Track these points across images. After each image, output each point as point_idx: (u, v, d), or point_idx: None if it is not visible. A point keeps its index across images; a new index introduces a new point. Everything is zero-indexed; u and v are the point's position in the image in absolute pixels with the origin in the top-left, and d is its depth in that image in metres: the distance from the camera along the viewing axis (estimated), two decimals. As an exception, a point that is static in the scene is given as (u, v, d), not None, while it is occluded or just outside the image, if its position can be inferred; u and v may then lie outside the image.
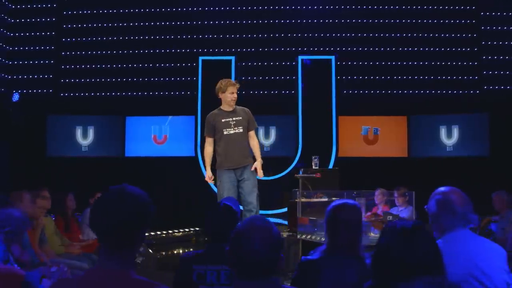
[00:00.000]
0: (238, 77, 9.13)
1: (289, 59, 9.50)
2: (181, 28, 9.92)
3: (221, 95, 5.58)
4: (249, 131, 5.67)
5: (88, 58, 9.99)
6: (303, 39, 9.73)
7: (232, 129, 5.55)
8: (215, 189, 8.24)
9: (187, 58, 9.76)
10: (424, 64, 9.59)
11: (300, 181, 5.42)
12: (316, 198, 4.76)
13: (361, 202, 4.69)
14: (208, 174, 5.63)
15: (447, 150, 9.25)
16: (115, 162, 9.61)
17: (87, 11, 10.09)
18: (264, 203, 6.73)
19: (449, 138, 9.24)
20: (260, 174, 5.52)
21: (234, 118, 5.57)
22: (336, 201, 2.63)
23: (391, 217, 4.22)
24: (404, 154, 9.36)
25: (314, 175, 5.46)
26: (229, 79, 5.76)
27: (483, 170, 8.74)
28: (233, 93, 5.53)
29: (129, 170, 9.48)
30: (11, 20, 10.02)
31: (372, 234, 4.49)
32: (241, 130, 5.57)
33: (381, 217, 4.29)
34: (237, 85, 5.63)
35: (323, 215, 4.76)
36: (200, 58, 9.23)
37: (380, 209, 7.43)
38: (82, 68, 10.01)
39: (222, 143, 5.55)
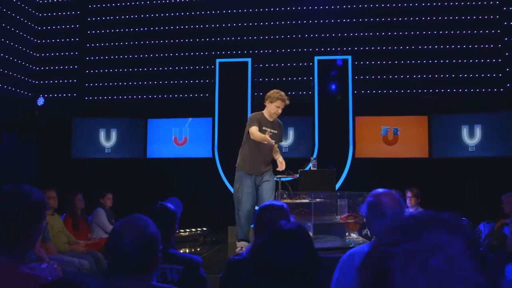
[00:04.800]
0: (255, 79, 9.18)
1: (306, 59, 9.47)
2: (199, 31, 10.07)
3: (267, 104, 5.66)
4: (276, 142, 5.77)
5: (110, 62, 10.30)
6: (319, 40, 9.66)
7: None
8: (231, 189, 8.36)
9: (205, 60, 9.90)
10: (445, 62, 9.32)
11: (280, 182, 5.42)
12: (300, 199, 4.74)
13: (342, 203, 4.63)
14: (266, 135, 5.47)
15: (469, 150, 8.93)
16: (137, 164, 9.83)
17: (109, 17, 10.40)
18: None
19: (472, 138, 8.93)
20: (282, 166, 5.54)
21: (272, 130, 5.69)
22: (264, 202, 2.63)
23: (367, 218, 4.12)
24: (425, 154, 9.11)
25: (292, 176, 5.42)
26: (283, 94, 5.72)
27: (507, 171, 8.41)
28: (278, 107, 5.60)
29: (150, 171, 9.69)
30: (37, 27, 10.46)
31: (354, 235, 4.43)
32: (272, 143, 5.66)
33: (358, 219, 4.22)
34: (287, 102, 5.67)
35: (303, 216, 4.75)
36: (217, 60, 9.32)
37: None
38: (105, 72, 10.33)
39: (252, 147, 5.67)
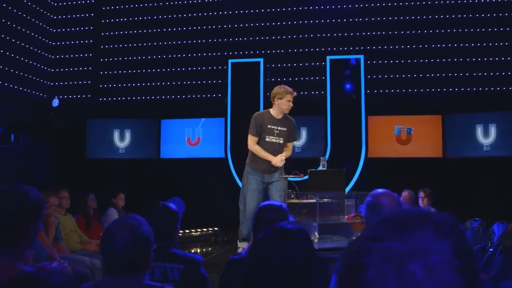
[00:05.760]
0: (267, 79, 9.19)
1: (318, 59, 9.44)
2: (211, 32, 10.11)
3: (277, 101, 5.47)
4: (288, 141, 5.65)
5: (124, 64, 10.40)
6: (331, 39, 9.63)
7: (275, 137, 5.55)
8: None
9: (217, 61, 9.94)
10: (458, 60, 9.22)
11: (285, 182, 5.40)
12: (307, 199, 4.73)
13: (349, 203, 4.62)
14: (275, 158, 5.42)
15: (484, 150, 8.81)
16: (151, 164, 9.90)
17: (122, 19, 10.51)
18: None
19: (486, 137, 8.81)
20: (277, 163, 5.41)
21: (279, 128, 5.54)
22: (264, 202, 2.65)
23: (375, 218, 4.09)
24: (439, 154, 9.01)
25: (298, 176, 5.41)
26: (287, 87, 5.55)
27: (522, 171, 8.31)
28: (290, 101, 5.42)
29: (164, 171, 9.75)
30: (51, 30, 10.61)
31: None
32: (281, 141, 5.57)
33: (363, 219, 4.19)
34: (295, 94, 5.50)
35: (310, 216, 4.75)
36: (230, 60, 9.34)
37: (405, 210, 7.24)
38: (119, 73, 10.43)
39: (259, 145, 5.53)
